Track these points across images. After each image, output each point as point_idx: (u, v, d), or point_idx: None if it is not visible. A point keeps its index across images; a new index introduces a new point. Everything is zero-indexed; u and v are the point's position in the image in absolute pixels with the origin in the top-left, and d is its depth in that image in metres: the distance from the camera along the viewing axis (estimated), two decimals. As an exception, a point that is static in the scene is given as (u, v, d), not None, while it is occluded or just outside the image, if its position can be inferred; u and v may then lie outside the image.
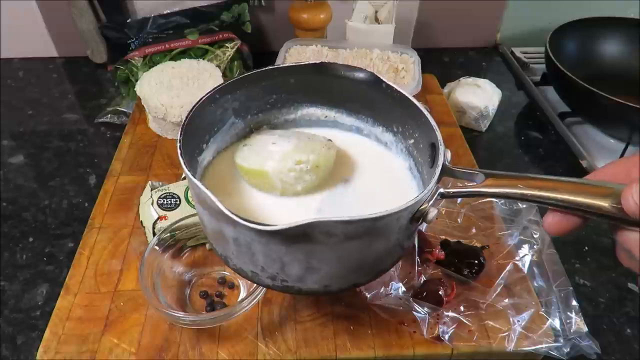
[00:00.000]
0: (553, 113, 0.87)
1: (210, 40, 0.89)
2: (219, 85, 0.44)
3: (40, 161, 0.77)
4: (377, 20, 0.88)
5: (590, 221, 0.31)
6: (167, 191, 0.58)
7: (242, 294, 0.53)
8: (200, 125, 0.43)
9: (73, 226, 0.66)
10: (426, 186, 0.36)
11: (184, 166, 0.37)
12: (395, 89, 0.44)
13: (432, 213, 0.36)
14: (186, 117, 0.40)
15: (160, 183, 0.61)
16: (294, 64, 0.47)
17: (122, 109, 0.84)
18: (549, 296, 0.51)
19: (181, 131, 0.39)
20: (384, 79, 0.44)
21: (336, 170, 0.46)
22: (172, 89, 0.73)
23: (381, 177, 0.47)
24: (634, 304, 0.59)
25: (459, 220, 0.59)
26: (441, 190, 0.36)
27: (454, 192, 0.37)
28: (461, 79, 0.86)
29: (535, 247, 0.55)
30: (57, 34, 0.99)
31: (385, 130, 0.48)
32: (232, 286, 0.54)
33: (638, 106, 0.70)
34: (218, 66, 0.81)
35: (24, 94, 0.93)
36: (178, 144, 0.38)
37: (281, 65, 0.47)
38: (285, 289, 0.38)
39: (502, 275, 0.52)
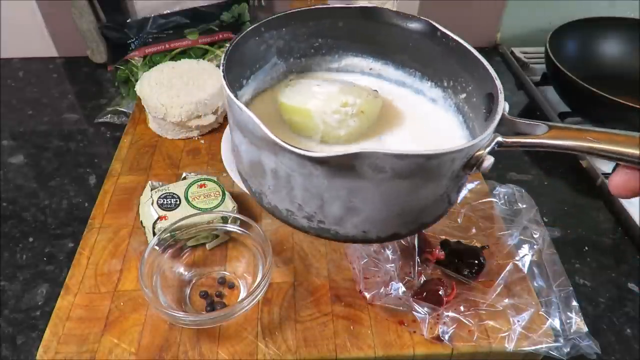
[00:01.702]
0: (553, 113, 0.86)
1: (210, 40, 0.89)
2: (265, 19, 0.42)
3: (40, 161, 0.77)
4: (377, 20, 0.87)
5: None
6: (167, 191, 0.58)
7: (242, 294, 0.53)
8: (243, 57, 0.41)
9: (73, 226, 0.66)
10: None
11: (226, 87, 0.35)
12: (452, 38, 0.41)
13: (488, 161, 0.33)
14: (230, 44, 0.39)
15: (160, 183, 0.61)
16: (342, 6, 0.44)
17: (122, 109, 0.84)
18: (549, 296, 0.51)
19: (225, 55, 0.37)
20: (440, 27, 0.42)
21: (380, 123, 0.43)
22: (172, 89, 0.73)
23: (427, 133, 0.43)
24: (634, 304, 0.58)
25: (459, 220, 0.59)
26: (499, 138, 0.34)
27: (512, 142, 0.34)
28: (461, 79, 0.86)
29: (535, 247, 0.55)
30: (57, 34, 0.99)
31: (434, 85, 0.45)
32: (232, 286, 0.54)
33: (638, 106, 0.70)
34: (218, 66, 0.81)
35: (24, 94, 0.92)
36: (222, 67, 0.36)
37: (330, 6, 0.44)
38: (321, 232, 0.36)
39: (502, 275, 0.52)
